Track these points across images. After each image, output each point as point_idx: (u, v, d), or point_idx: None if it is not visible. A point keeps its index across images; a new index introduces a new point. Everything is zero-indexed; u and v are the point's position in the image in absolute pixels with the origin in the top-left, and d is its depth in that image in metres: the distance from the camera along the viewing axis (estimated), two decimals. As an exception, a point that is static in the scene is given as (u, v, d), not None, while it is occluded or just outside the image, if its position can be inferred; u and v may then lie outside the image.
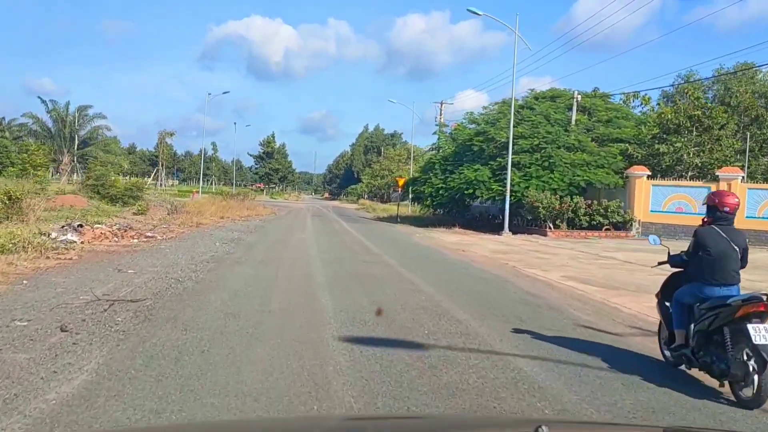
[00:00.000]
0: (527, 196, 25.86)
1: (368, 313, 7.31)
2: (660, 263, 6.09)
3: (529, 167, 26.82)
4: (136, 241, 15.09)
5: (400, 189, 37.26)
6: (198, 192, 55.57)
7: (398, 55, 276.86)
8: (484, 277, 11.63)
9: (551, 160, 26.41)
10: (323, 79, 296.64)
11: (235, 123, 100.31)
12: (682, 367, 5.44)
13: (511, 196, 26.02)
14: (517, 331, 6.80)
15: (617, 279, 12.07)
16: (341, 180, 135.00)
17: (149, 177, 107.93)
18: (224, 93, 56.61)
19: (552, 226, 25.71)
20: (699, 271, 5.33)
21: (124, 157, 72.32)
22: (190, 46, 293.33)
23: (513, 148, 25.77)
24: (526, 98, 31.77)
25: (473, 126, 33.22)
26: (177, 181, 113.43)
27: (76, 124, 61.05)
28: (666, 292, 5.89)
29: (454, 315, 7.55)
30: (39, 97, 77.79)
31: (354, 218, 37.64)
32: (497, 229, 28.11)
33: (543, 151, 26.97)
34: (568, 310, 8.43)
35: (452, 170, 30.08)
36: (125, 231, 16.56)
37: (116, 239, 15.09)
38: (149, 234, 16.81)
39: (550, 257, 16.42)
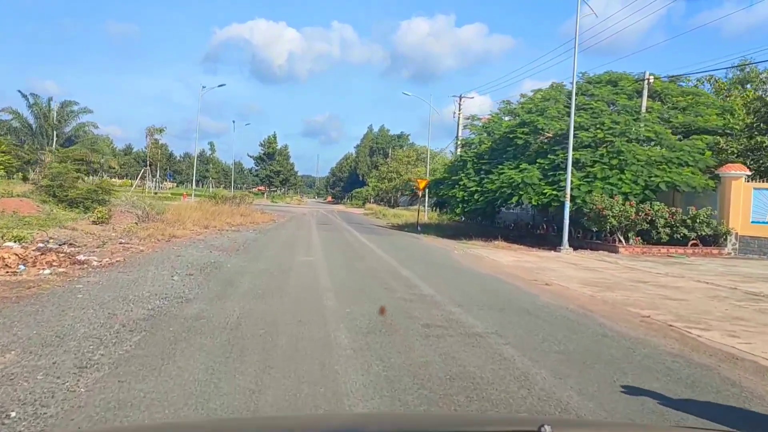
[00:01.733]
0: (589, 202, 20.36)
1: None
2: None
3: (592, 166, 21.28)
4: (47, 271, 9.61)
5: (419, 192, 31.70)
6: (190, 194, 50.13)
7: (402, 59, 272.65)
8: (664, 369, 6.08)
9: (621, 157, 20.84)
10: (327, 82, 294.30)
11: (233, 121, 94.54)
12: None
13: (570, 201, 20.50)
14: None
15: None
16: (345, 183, 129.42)
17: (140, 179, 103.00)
18: (219, 86, 50.40)
19: (623, 240, 20.21)
20: None
21: (112, 157, 66.87)
22: (194, 48, 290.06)
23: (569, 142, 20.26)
24: (578, 83, 26.24)
25: (509, 118, 27.76)
26: (175, 184, 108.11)
27: (57, 119, 55.60)
28: None
29: None
30: (19, 91, 72.29)
31: (366, 226, 32.20)
32: (545, 243, 22.65)
33: (609, 145, 21.44)
34: None
35: (489, 170, 24.62)
36: (45, 253, 11.10)
37: (20, 267, 9.65)
38: (83, 257, 11.35)
39: (673, 292, 10.95)
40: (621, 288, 11.55)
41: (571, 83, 21.59)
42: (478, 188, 24.32)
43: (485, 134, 27.47)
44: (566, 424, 2.65)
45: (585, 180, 21.06)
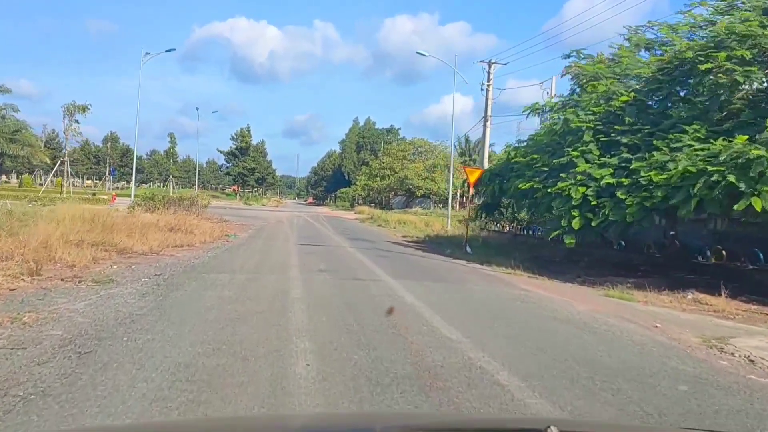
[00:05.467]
0: None
1: None
2: None
3: None
4: None
5: (470, 188, 19.03)
6: (128, 195, 37.11)
7: (385, 57, 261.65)
8: None
9: None
10: (308, 82, 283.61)
11: (197, 108, 79.69)
12: None
13: None
14: None
15: None
16: (329, 183, 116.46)
17: (106, 178, 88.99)
18: (167, 51, 38.18)
19: None
20: None
21: (40, 149, 53.25)
22: (173, 47, 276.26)
23: None
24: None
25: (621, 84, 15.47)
26: (138, 184, 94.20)
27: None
28: None
29: None
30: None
31: (379, 245, 19.85)
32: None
33: None
34: None
35: (638, 143, 12.50)
36: None
37: None
38: None
39: None
40: None
41: None
42: (622, 180, 12.14)
43: (588, 98, 14.97)
44: (573, 425, 2.60)
45: None
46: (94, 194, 49.67)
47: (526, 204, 17.23)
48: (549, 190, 14.01)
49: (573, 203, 12.99)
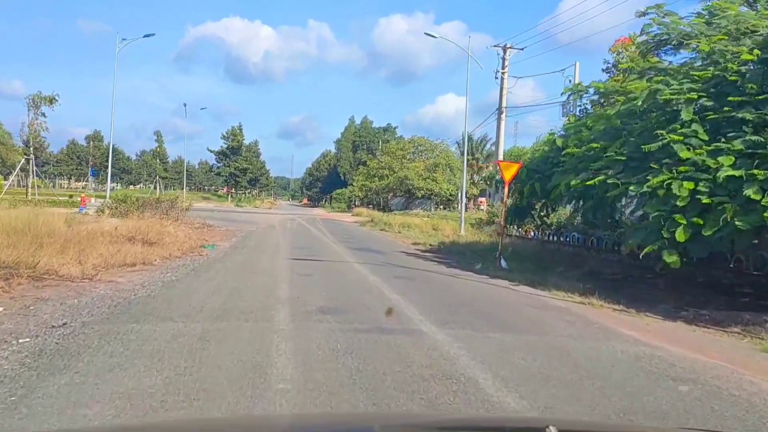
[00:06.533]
0: None
1: None
2: None
3: None
4: None
5: (505, 187, 15.08)
6: (104, 196, 33.06)
7: (380, 58, 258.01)
8: None
9: None
10: (303, 82, 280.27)
11: (185, 105, 73.72)
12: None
13: None
14: None
15: None
16: (324, 183, 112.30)
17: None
18: (145, 36, 34.42)
19: None
20: None
21: (13, 147, 48.97)
22: (166, 47, 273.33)
23: None
24: None
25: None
26: (123, 185, 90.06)
27: None
28: None
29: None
30: None
31: (391, 257, 15.94)
32: None
33: None
34: None
35: (765, 124, 8.74)
36: None
37: None
38: None
39: None
40: None
41: None
42: (755, 173, 8.42)
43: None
44: (571, 424, 2.55)
45: None
46: (71, 196, 45.54)
47: (585, 207, 13.46)
48: (630, 188, 10.21)
49: (676, 204, 9.20)
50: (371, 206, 70.88)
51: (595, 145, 12.25)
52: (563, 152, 13.40)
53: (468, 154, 71.13)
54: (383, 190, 70.27)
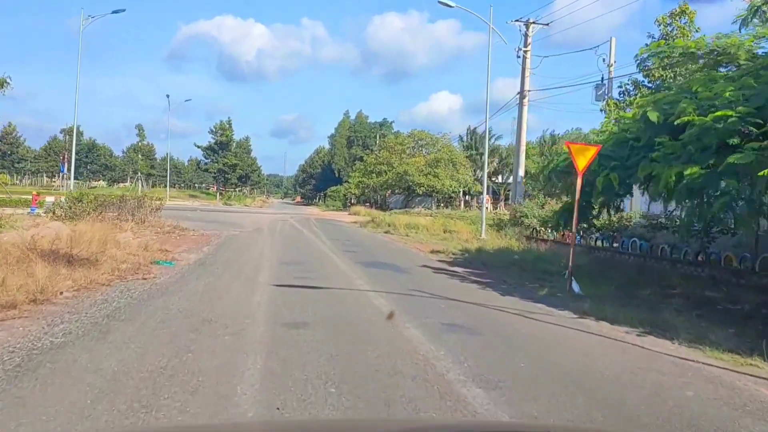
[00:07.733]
0: None
1: None
2: None
3: None
4: None
5: (579, 178, 10.72)
6: (60, 195, 28.51)
7: (374, 56, 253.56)
8: None
9: None
10: (296, 81, 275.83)
11: (167, 96, 68.19)
12: None
13: None
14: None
15: None
16: (318, 181, 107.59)
17: (57, 176, 79.67)
18: (114, 12, 30.24)
19: None
20: None
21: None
22: (158, 46, 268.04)
23: None
24: None
25: None
26: (104, 182, 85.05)
27: None
28: None
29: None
30: None
31: (413, 275, 11.51)
32: None
33: None
34: None
35: None
36: None
37: None
38: None
39: None
40: None
41: None
42: None
43: None
44: (569, 430, 2.52)
45: None
46: (38, 193, 40.88)
47: (703, 208, 9.23)
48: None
49: None
50: (368, 204, 66.66)
51: (730, 112, 8.10)
52: (657, 133, 9.15)
53: (472, 149, 67.15)
54: (381, 187, 65.83)
